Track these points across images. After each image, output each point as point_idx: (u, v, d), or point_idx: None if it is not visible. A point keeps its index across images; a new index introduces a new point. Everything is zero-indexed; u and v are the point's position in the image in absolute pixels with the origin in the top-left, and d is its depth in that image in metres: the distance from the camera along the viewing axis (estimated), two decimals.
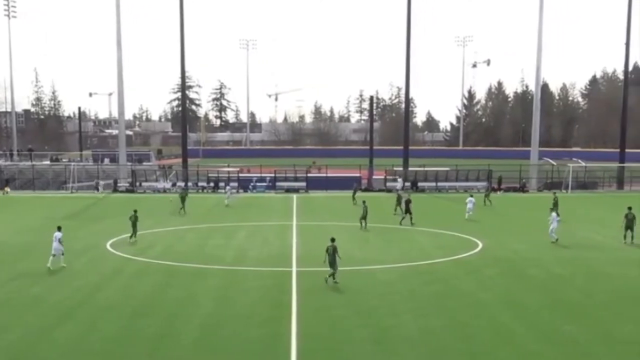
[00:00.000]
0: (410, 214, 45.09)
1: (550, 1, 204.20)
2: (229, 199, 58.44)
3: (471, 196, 50.32)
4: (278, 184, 72.73)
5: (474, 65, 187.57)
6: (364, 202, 44.82)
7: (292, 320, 22.38)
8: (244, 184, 72.14)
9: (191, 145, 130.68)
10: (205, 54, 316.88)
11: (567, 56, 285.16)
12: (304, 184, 72.51)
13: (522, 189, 71.89)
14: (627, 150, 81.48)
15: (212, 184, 72.53)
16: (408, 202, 45.87)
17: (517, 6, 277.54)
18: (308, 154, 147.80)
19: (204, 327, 21.79)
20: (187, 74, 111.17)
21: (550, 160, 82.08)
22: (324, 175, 77.25)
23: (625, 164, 78.60)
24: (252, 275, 29.49)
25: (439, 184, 72.71)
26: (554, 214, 38.42)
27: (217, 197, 65.29)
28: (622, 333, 21.08)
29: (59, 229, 31.62)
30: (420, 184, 71.77)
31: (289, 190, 70.79)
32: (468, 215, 47.96)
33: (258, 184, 72.52)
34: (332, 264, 27.32)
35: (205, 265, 31.50)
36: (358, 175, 75.28)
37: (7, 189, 70.37)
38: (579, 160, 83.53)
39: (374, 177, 75.78)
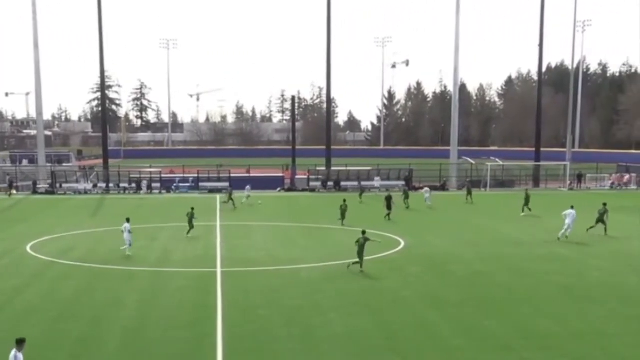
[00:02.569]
0: (390, 210, 47.95)
1: (467, 3, 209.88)
2: (246, 199, 58.55)
3: (427, 187, 60.55)
4: (201, 184, 72.23)
5: (394, 66, 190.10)
6: (344, 200, 46.89)
7: (218, 320, 22.38)
8: (167, 185, 71.46)
9: (112, 146, 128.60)
10: (125, 53, 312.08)
11: (484, 57, 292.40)
12: (227, 184, 72.18)
13: (443, 187, 73.27)
14: (542, 149, 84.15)
15: (134, 185, 71.50)
16: (389, 198, 48.49)
17: (434, 8, 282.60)
18: (231, 154, 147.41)
19: (128, 329, 21.58)
20: (106, 74, 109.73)
21: (469, 160, 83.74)
22: (248, 175, 77.60)
23: (540, 163, 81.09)
24: (177, 277, 29.32)
25: (362, 183, 73.32)
26: (571, 210, 38.49)
27: (140, 198, 64.68)
28: (539, 327, 21.80)
29: (128, 220, 34.08)
30: (343, 183, 72.28)
31: (212, 190, 70.36)
32: (428, 204, 55.99)
33: (181, 184, 71.93)
34: (360, 254, 29.46)
35: (129, 267, 31.09)
36: (281, 175, 75.48)
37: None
38: (497, 159, 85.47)
39: (297, 177, 76.07)
